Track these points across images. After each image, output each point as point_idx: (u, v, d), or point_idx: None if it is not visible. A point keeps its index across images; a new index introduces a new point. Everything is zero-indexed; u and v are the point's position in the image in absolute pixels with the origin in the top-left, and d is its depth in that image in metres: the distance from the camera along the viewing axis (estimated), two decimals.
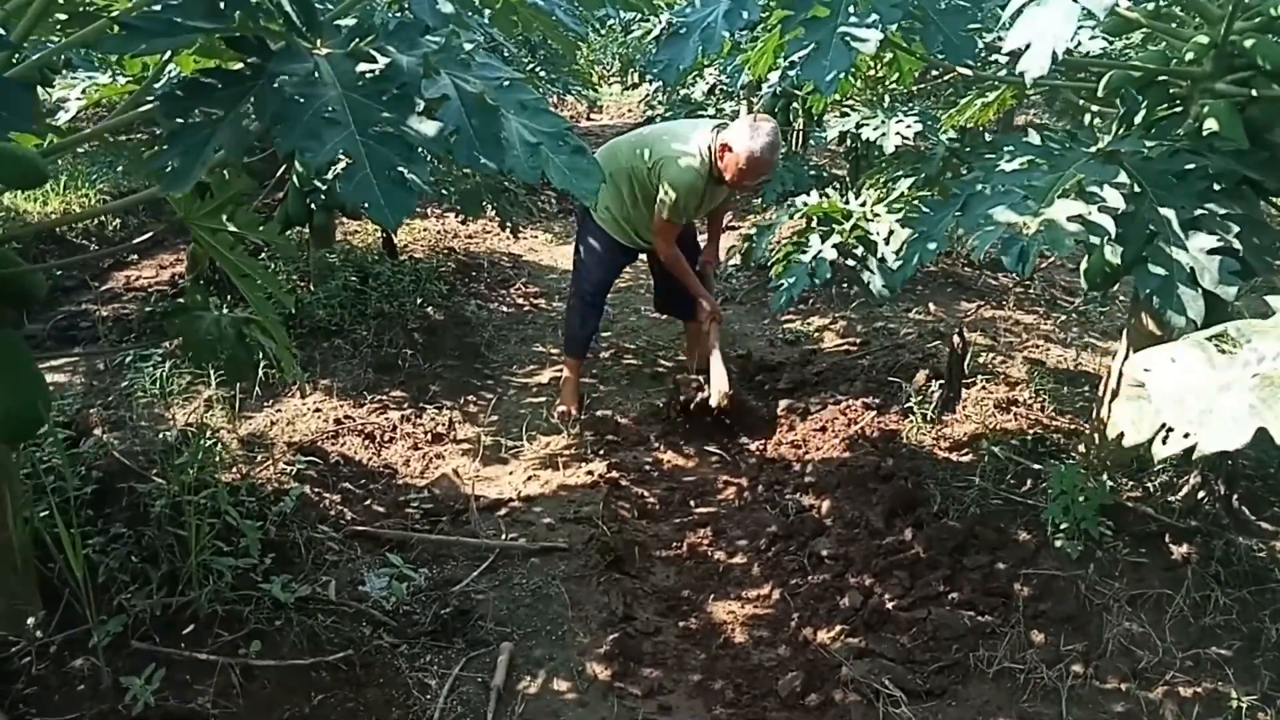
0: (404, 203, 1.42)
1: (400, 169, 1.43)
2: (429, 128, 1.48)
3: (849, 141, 4.76)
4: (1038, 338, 4.38)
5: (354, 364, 4.02)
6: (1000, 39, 2.75)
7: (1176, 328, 1.71)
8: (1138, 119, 2.11)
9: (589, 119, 12.00)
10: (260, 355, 2.49)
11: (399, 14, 2.71)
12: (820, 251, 2.65)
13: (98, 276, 5.02)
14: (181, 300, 2.51)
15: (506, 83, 1.63)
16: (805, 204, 2.84)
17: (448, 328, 4.60)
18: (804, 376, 4.04)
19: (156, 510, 2.69)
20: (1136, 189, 1.80)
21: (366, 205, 1.39)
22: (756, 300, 5.20)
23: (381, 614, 2.52)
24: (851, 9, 1.98)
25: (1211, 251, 1.70)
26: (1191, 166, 1.82)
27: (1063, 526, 2.63)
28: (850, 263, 2.69)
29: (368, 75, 1.55)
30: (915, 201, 2.79)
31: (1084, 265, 2.35)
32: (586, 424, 3.79)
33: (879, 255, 2.63)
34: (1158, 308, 1.75)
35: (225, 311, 2.52)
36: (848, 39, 1.95)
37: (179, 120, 1.52)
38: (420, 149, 1.46)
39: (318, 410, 3.62)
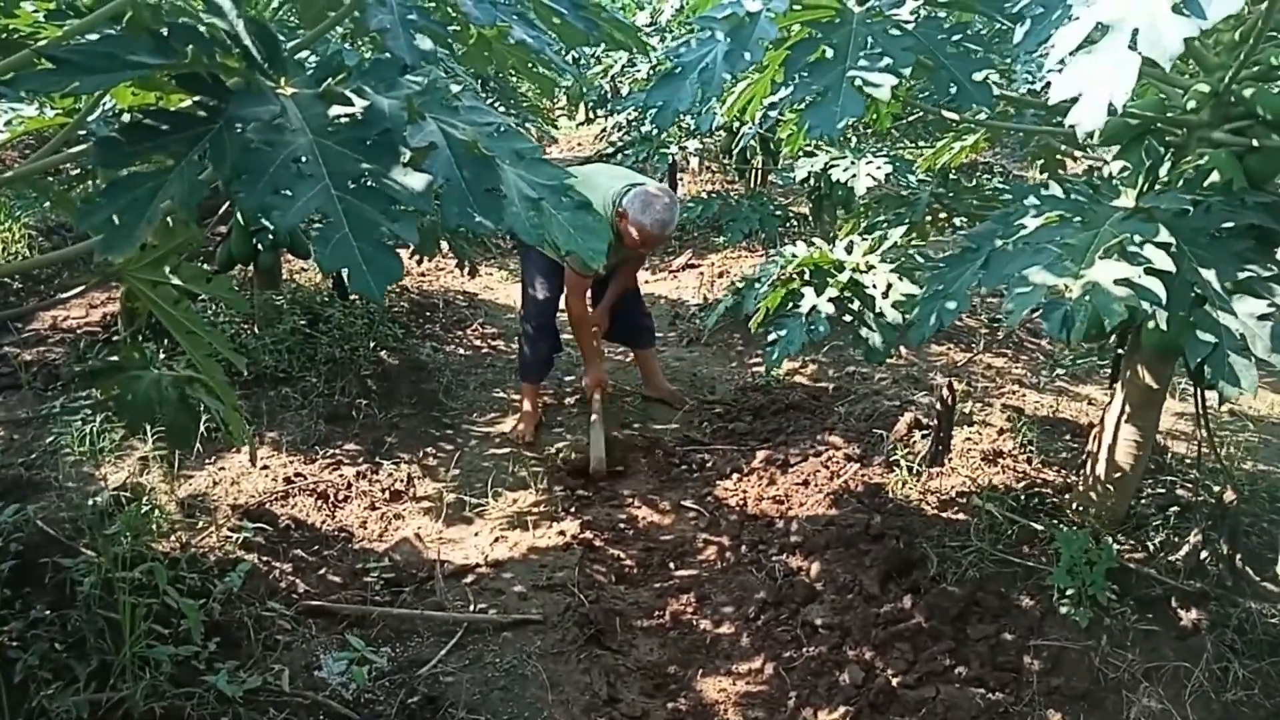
0: (389, 268, 1.22)
1: (384, 229, 1.23)
2: (416, 180, 1.28)
3: (813, 181, 4.67)
4: (1012, 383, 4.31)
5: (304, 415, 3.76)
6: (1012, 78, 2.66)
7: (1229, 398, 1.58)
8: (1163, 171, 2.00)
9: (543, 151, 11.84)
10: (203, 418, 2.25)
11: (370, 52, 2.51)
12: (816, 305, 2.50)
13: (20, 317, 4.67)
14: (115, 357, 2.25)
15: (500, 129, 1.45)
16: (793, 255, 2.69)
17: (403, 373, 4.36)
18: (779, 425, 3.89)
19: (85, 590, 2.42)
20: (1174, 248, 1.68)
21: (346, 272, 1.19)
22: (723, 342, 5.06)
23: (341, 704, 2.28)
24: (861, 52, 1.85)
25: (1262, 317, 1.59)
26: (1230, 225, 1.71)
27: (1068, 592, 2.50)
28: (846, 318, 2.55)
29: (342, 120, 1.36)
30: (911, 252, 2.67)
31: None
32: (555, 479, 3.58)
33: (876, 309, 2.49)
34: (1209, 378, 1.62)
35: (164, 368, 2.28)
36: (859, 83, 1.81)
37: (120, 170, 1.31)
38: (406, 204, 1.27)
39: (265, 467, 3.35)
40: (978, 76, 1.88)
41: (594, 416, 3.84)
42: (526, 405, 4.07)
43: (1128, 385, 2.76)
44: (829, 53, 1.85)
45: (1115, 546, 2.56)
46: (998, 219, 1.96)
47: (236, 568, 2.55)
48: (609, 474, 3.70)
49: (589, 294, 4.02)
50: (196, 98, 1.39)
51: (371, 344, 4.38)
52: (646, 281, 6.33)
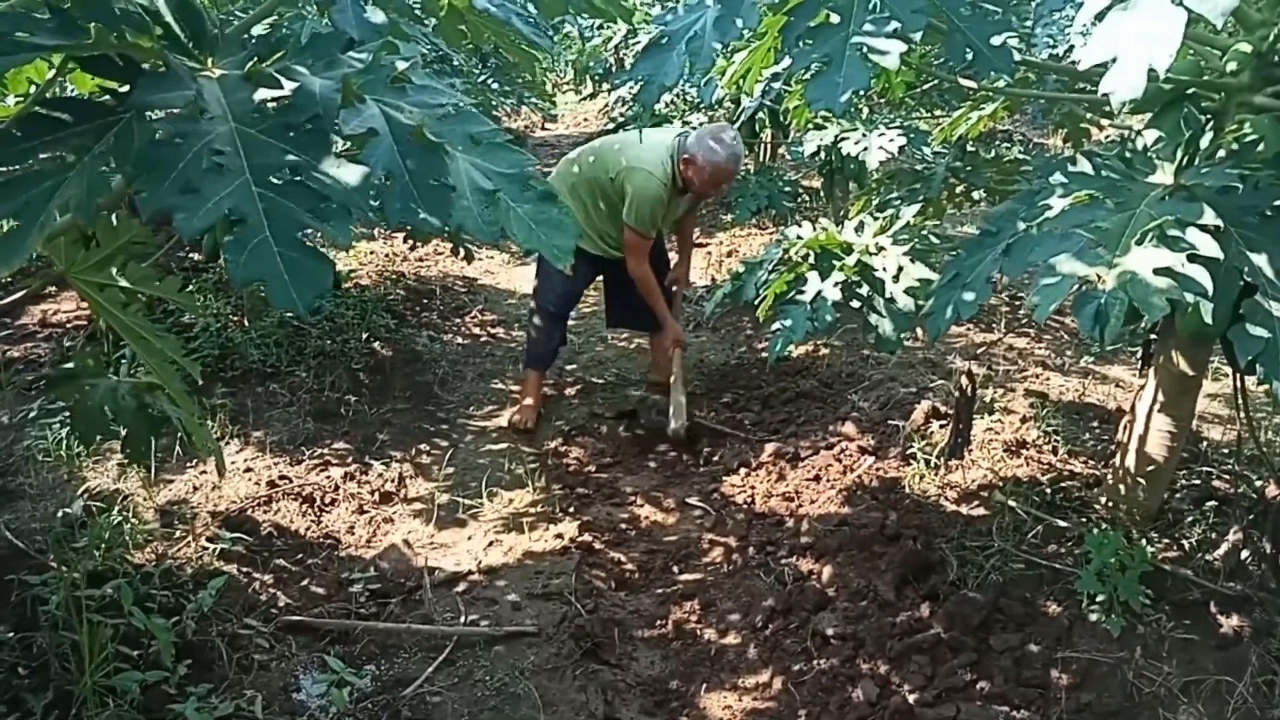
0: (316, 275, 1.05)
1: (310, 230, 1.06)
2: (350, 173, 1.11)
3: (824, 155, 4.47)
4: (1035, 365, 4.11)
5: (291, 412, 3.61)
6: (1031, 41, 2.45)
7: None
8: (1204, 142, 1.80)
9: (544, 129, 11.63)
10: (165, 427, 2.10)
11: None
12: (821, 291, 2.32)
13: (9, 311, 4.54)
14: (71, 364, 2.10)
15: (452, 110, 1.27)
16: (798, 236, 2.50)
17: (397, 365, 4.20)
18: (789, 414, 3.72)
19: (50, 609, 2.28)
20: (1219, 230, 1.49)
21: (264, 282, 1.02)
22: (731, 325, 4.88)
23: None
24: (867, 15, 1.65)
25: None
26: None
27: (1098, 598, 2.33)
28: (854, 304, 2.36)
29: (270, 105, 1.18)
30: (925, 233, 2.48)
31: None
32: (553, 476, 3.43)
33: (887, 295, 2.30)
34: (1262, 376, 1.44)
35: (124, 376, 2.13)
36: (864, 51, 1.62)
37: (16, 167, 1.15)
38: (338, 201, 1.10)
39: (249, 470, 3.20)
40: (996, 40, 1.68)
41: (677, 379, 3.76)
42: (529, 393, 3.93)
43: (1160, 371, 2.57)
44: (833, 17, 1.66)
45: (1148, 547, 2.37)
46: (1020, 199, 1.77)
47: (210, 584, 2.41)
48: (689, 439, 3.65)
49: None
50: (108, 84, 1.23)
51: (364, 335, 4.22)
52: None
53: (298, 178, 1.09)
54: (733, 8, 1.71)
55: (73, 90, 2.33)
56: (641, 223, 3.62)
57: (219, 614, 2.45)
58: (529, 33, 1.71)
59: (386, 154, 1.17)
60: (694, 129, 3.68)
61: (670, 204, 3.66)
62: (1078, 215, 1.51)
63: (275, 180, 1.08)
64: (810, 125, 3.86)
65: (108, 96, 1.22)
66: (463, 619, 2.60)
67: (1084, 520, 2.66)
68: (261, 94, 1.19)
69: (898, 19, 1.63)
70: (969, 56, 1.70)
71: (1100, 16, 1.24)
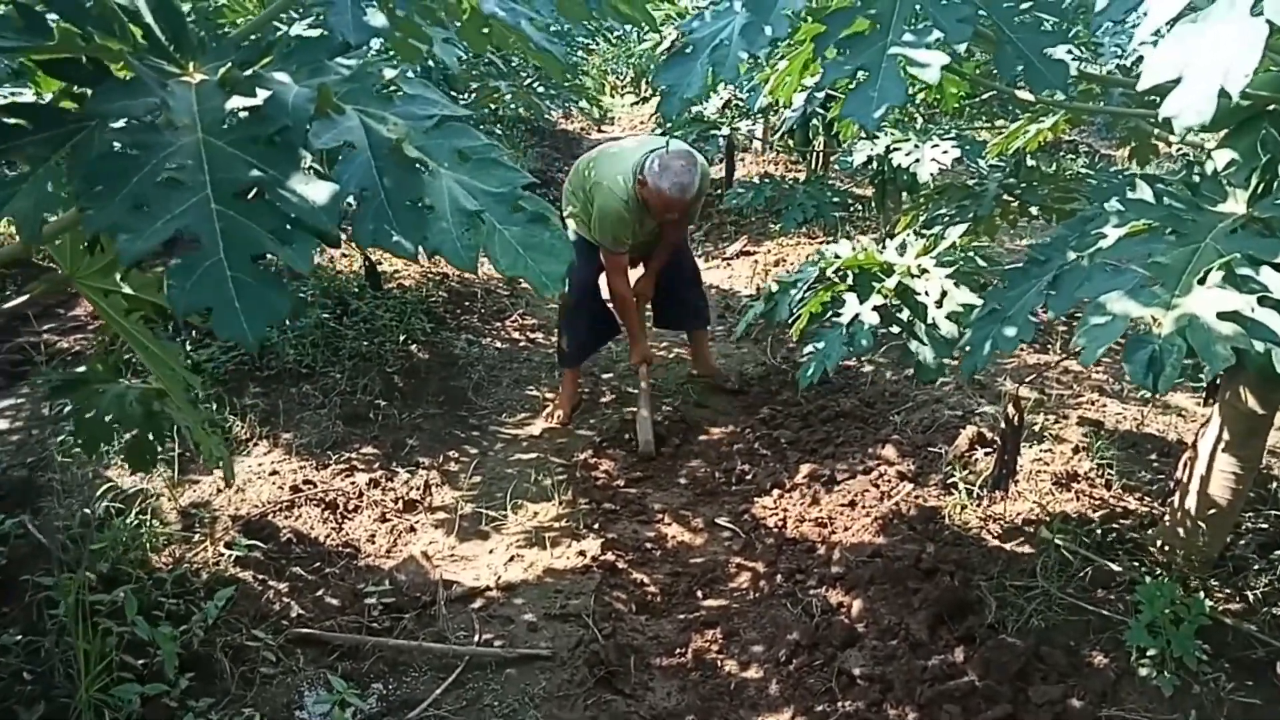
0: (271, 304, 0.97)
1: (269, 255, 0.98)
2: (318, 191, 1.02)
3: (875, 165, 4.31)
4: (1090, 390, 3.90)
5: (322, 414, 3.58)
6: (1099, 52, 2.29)
7: None
8: None
9: (600, 130, 11.57)
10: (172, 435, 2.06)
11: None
12: (859, 314, 2.19)
13: (65, 302, 4.60)
14: (82, 369, 2.07)
15: (440, 122, 1.18)
16: (835, 255, 2.37)
17: (432, 368, 4.16)
18: (827, 434, 3.57)
19: (59, 614, 2.26)
20: None
21: (210, 311, 0.94)
22: (775, 339, 4.73)
23: None
24: (905, 25, 1.52)
25: None
26: None
27: (1149, 652, 2.16)
28: (894, 328, 2.23)
29: (242, 114, 1.11)
30: (971, 254, 2.33)
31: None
32: (580, 489, 3.34)
33: (929, 320, 2.16)
34: None
35: (136, 382, 2.09)
36: (902, 63, 1.49)
37: None
38: (303, 222, 1.02)
39: (274, 473, 3.17)
40: (1051, 52, 1.54)
41: (642, 400, 3.72)
42: (563, 393, 3.95)
43: (1226, 409, 2.39)
44: (871, 26, 1.53)
45: (1207, 599, 2.19)
46: (1071, 225, 1.62)
47: (216, 595, 2.37)
48: (656, 456, 3.60)
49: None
50: (74, 89, 1.16)
51: (402, 337, 4.18)
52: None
53: (261, 196, 1.01)
54: (761, 14, 1.59)
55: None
56: (605, 238, 3.60)
57: (229, 623, 2.41)
58: (539, 38, 1.61)
59: (362, 170, 1.09)
60: (665, 150, 3.50)
61: (636, 223, 3.56)
62: (1134, 248, 1.37)
63: (236, 198, 1.00)
64: (860, 135, 3.70)
65: (74, 103, 1.16)
66: (476, 638, 2.52)
67: (1137, 564, 2.49)
68: (236, 102, 1.12)
69: (941, 29, 1.50)
70: (1019, 69, 1.56)
71: (1158, 32, 1.10)
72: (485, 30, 2.01)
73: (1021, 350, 4.12)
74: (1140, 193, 1.52)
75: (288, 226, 1.01)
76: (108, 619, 2.24)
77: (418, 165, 1.11)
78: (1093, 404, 3.66)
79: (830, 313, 2.31)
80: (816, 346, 2.24)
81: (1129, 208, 1.46)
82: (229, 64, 1.16)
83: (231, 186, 1.02)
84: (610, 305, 3.93)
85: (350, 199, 1.07)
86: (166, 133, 1.05)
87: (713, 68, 1.59)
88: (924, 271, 2.24)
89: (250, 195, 1.03)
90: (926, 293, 2.19)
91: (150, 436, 2.01)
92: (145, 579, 2.42)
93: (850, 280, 2.29)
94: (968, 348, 1.62)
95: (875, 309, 2.20)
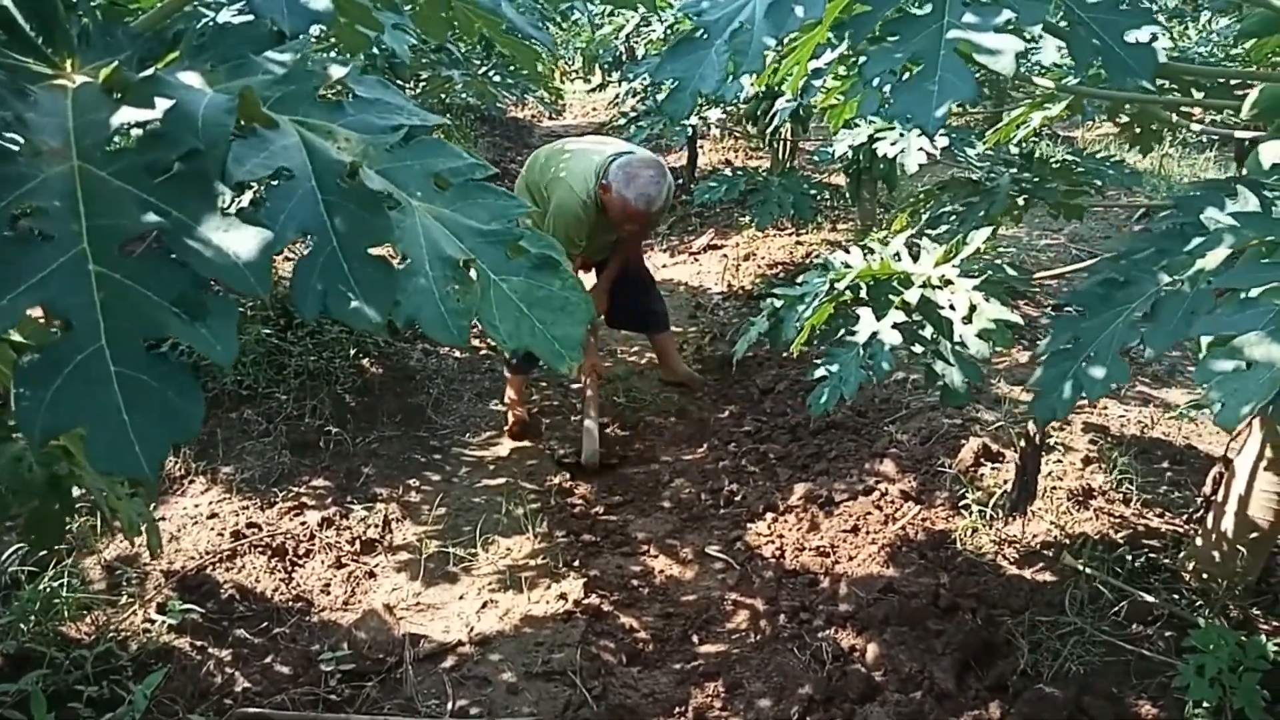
0: (178, 415, 0.67)
1: (166, 339, 0.69)
2: (241, 240, 0.73)
3: (851, 154, 4.07)
4: None
5: (266, 444, 3.24)
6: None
7: None
8: None
9: (551, 119, 11.20)
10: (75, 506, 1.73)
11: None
12: (877, 333, 1.93)
13: None
14: None
15: (407, 136, 0.89)
16: (845, 265, 2.11)
17: (387, 385, 3.83)
18: (818, 448, 3.33)
19: None
20: None
21: (86, 430, 0.65)
22: (753, 345, 4.47)
23: None
24: (964, 2, 1.26)
25: None
26: None
27: (1204, 704, 1.95)
28: (916, 347, 1.98)
29: (134, 132, 0.80)
30: (998, 260, 2.09)
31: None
32: (556, 520, 3.05)
33: (955, 338, 1.91)
34: None
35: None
36: (965, 49, 1.23)
37: None
38: (223, 287, 0.72)
39: (214, 515, 2.84)
40: (1134, 36, 1.29)
41: (588, 409, 3.51)
42: (513, 402, 3.68)
43: (1269, 426, 2.19)
44: (922, 6, 1.27)
45: (1270, 644, 1.99)
46: (1153, 239, 1.38)
47: (147, 678, 2.04)
48: (603, 467, 3.40)
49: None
50: None
51: (352, 350, 3.84)
52: (664, 265, 5.75)
53: (156, 252, 0.71)
54: None
55: None
56: (557, 235, 3.32)
57: (163, 704, 2.09)
58: (522, 23, 1.32)
59: (304, 206, 0.79)
60: (631, 152, 3.33)
61: (592, 226, 3.35)
62: (1260, 272, 1.12)
63: (122, 257, 0.70)
64: (857, 123, 3.44)
65: None
66: (450, 705, 2.23)
67: (1176, 596, 2.29)
68: (127, 115, 0.81)
69: (1011, 8, 1.23)
70: (1098, 60, 1.30)
71: None
72: (446, 14, 1.72)
73: (1020, 348, 3.92)
74: (1244, 201, 1.28)
75: (198, 294, 0.71)
76: (15, 709, 1.91)
77: (381, 198, 0.82)
78: (1094, 406, 3.47)
79: (842, 329, 2.05)
80: (830, 370, 1.98)
81: (1243, 222, 1.21)
82: (116, 62, 0.85)
83: (117, 237, 0.72)
84: None
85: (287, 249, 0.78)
86: (25, 161, 0.75)
87: (733, 57, 1.31)
88: (948, 282, 1.99)
89: (144, 249, 0.73)
90: (952, 306, 1.94)
91: (56, 507, 1.69)
92: (62, 658, 2.08)
93: (864, 292, 2.03)
94: (1038, 387, 1.37)
95: (895, 326, 1.95)
